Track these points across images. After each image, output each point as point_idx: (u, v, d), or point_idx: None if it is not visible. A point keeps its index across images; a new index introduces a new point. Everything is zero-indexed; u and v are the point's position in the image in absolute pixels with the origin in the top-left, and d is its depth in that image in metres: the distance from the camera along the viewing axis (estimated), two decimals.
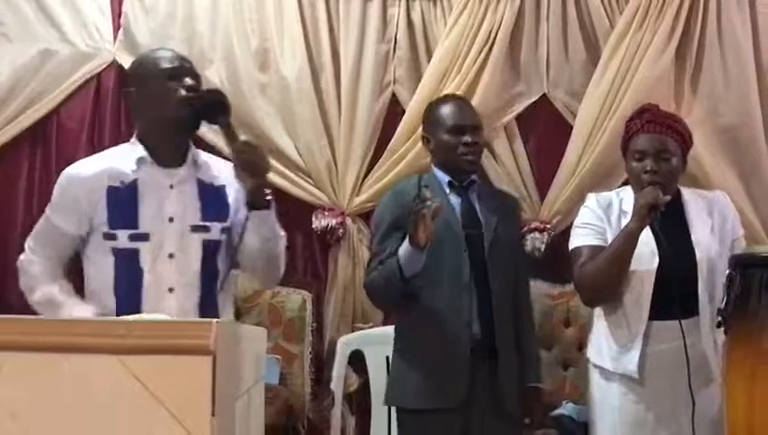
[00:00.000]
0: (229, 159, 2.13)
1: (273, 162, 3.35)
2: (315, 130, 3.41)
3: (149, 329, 1.52)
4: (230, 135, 2.11)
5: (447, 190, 2.56)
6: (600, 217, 2.42)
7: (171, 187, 2.14)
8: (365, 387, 3.30)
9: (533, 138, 3.46)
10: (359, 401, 3.32)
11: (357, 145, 3.40)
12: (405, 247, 2.36)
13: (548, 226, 3.35)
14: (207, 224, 2.13)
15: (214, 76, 3.42)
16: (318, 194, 3.41)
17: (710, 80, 3.33)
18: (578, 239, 2.44)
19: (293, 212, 3.44)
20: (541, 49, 3.42)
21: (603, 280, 2.37)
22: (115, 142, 3.45)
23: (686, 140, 2.45)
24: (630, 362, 2.33)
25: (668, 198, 2.32)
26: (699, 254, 2.35)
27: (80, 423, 1.46)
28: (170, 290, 2.08)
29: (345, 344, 3.30)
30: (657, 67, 3.31)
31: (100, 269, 2.11)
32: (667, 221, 2.34)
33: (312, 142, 3.41)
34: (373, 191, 3.37)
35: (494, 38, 3.37)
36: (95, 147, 3.45)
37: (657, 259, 2.32)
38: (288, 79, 3.41)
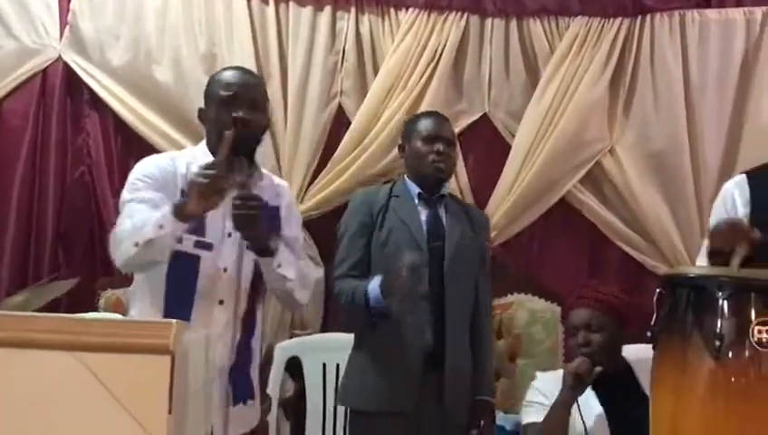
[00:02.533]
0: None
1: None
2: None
3: (108, 327, 1.53)
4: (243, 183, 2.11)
5: (416, 201, 2.64)
6: (544, 396, 2.52)
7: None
8: (301, 393, 3.35)
9: (473, 155, 3.56)
10: (294, 408, 3.36)
11: (302, 153, 3.43)
12: (375, 292, 2.45)
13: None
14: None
15: (160, 77, 3.43)
16: None
17: (641, 106, 3.48)
18: (527, 416, 2.55)
19: None
20: (483, 69, 3.52)
21: None
22: (61, 140, 3.45)
23: (615, 310, 2.56)
24: None
25: (599, 369, 2.41)
26: None
27: (35, 420, 1.47)
28: (221, 302, 2.13)
29: (282, 351, 3.33)
30: (593, 92, 3.45)
31: (154, 272, 2.12)
32: (620, 391, 2.43)
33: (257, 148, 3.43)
34: (317, 200, 3.42)
35: (440, 56, 3.47)
36: (39, 144, 3.43)
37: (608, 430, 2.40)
38: None
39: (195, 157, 2.19)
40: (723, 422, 2.03)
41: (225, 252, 2.14)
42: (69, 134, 3.46)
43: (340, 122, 3.50)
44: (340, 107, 3.50)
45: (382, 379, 2.52)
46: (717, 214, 2.71)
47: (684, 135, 3.46)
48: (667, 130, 3.47)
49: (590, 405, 2.46)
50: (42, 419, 1.47)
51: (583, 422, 2.42)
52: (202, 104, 3.53)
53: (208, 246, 2.14)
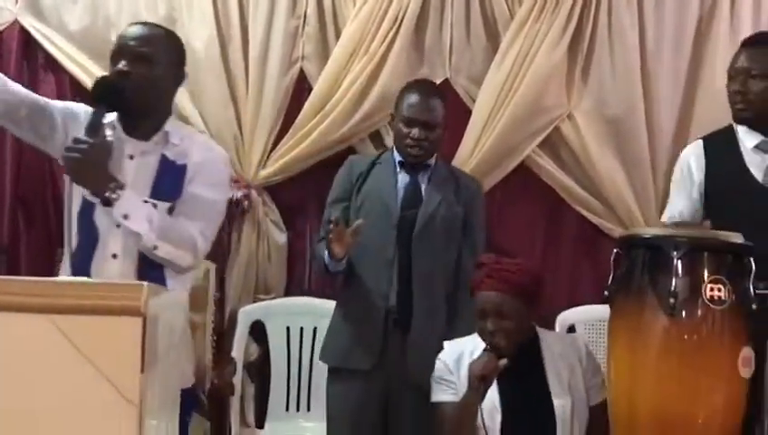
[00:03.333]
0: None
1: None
2: (222, 102, 3.43)
3: (81, 290, 1.56)
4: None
5: (398, 169, 2.71)
6: (450, 371, 2.44)
7: (131, 157, 2.18)
8: (265, 356, 3.39)
9: None
10: (259, 370, 3.40)
11: (264, 118, 3.43)
12: (327, 255, 2.55)
13: None
14: (155, 201, 2.16)
15: None
16: None
17: (599, 73, 3.52)
18: (435, 394, 2.46)
19: None
20: (444, 35, 3.53)
21: None
22: None
23: (527, 291, 2.41)
24: None
25: (505, 361, 2.30)
26: (556, 405, 2.36)
27: (10, 381, 1.51)
28: (114, 256, 2.13)
29: (246, 315, 3.37)
30: (552, 58, 3.48)
31: (73, 215, 2.15)
32: (522, 369, 2.37)
33: (218, 114, 3.42)
34: (279, 165, 3.43)
35: (401, 21, 3.46)
36: None
37: (499, 416, 2.34)
38: (196, 49, 3.40)
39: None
40: (677, 377, 2.13)
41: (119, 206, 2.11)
42: None
43: (301, 88, 3.49)
44: (301, 72, 3.49)
45: (349, 337, 2.63)
46: (675, 179, 2.81)
47: (640, 100, 3.52)
48: (624, 95, 3.52)
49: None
50: (16, 380, 1.51)
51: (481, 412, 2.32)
52: None
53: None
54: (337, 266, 2.56)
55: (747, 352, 2.13)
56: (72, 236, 2.12)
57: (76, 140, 2.03)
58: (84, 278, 1.83)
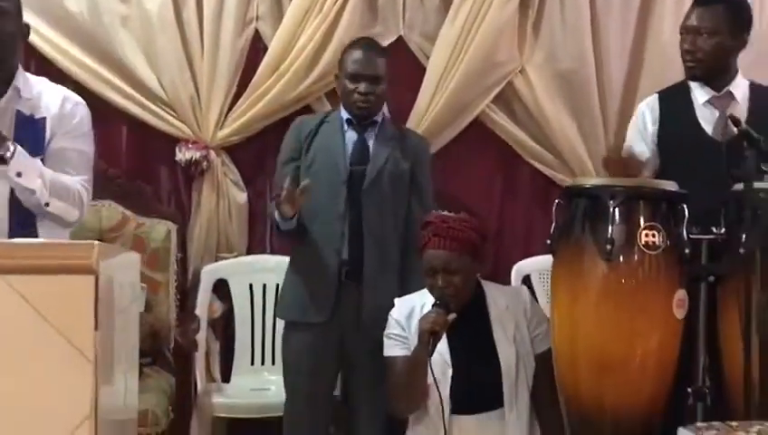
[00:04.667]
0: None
1: (136, 94, 3.43)
2: (178, 64, 3.44)
3: (34, 250, 1.61)
4: None
5: (345, 127, 2.77)
6: (401, 327, 2.52)
7: None
8: (229, 314, 3.46)
9: (390, 77, 3.62)
10: (223, 328, 3.48)
11: (220, 80, 3.45)
12: (278, 214, 2.61)
13: None
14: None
15: (73, 7, 3.38)
16: (181, 127, 3.45)
17: (550, 27, 3.58)
18: (387, 349, 2.54)
19: (157, 144, 3.50)
20: None
21: (403, 402, 2.48)
22: None
23: (473, 247, 2.48)
24: None
25: (453, 316, 2.38)
26: (501, 356, 2.44)
27: None
28: None
29: (209, 273, 3.43)
30: (503, 14, 3.52)
31: None
32: (469, 323, 2.46)
33: (174, 76, 3.44)
34: (237, 126, 3.46)
35: None
36: None
37: (450, 370, 2.43)
38: (150, 11, 3.40)
39: None
40: (615, 319, 2.24)
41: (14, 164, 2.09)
42: None
43: (257, 48, 3.51)
44: (256, 33, 3.51)
45: (304, 292, 2.73)
46: (631, 132, 2.90)
47: (590, 53, 3.59)
48: (575, 49, 3.59)
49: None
50: None
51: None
52: (120, 35, 3.51)
53: None
54: (287, 225, 2.63)
55: (681, 295, 2.24)
56: None
57: None
58: (38, 239, 1.88)
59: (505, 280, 3.45)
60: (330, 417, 2.87)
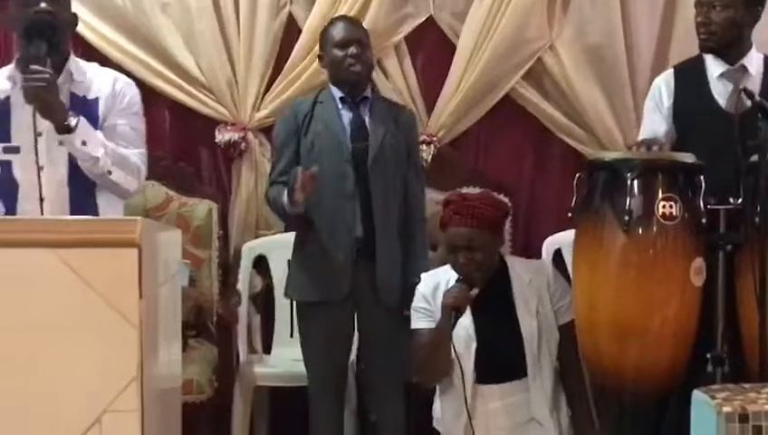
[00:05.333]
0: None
1: (176, 79, 3.56)
2: (216, 48, 3.57)
3: (83, 225, 1.75)
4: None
5: (340, 105, 2.84)
6: (427, 301, 2.62)
7: None
8: (268, 288, 3.60)
9: (421, 57, 3.71)
10: (263, 302, 3.62)
11: (256, 63, 3.57)
12: (286, 199, 2.66)
13: (434, 138, 3.61)
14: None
15: None
16: (220, 110, 3.58)
17: (578, 3, 3.62)
18: (415, 322, 2.65)
19: (198, 127, 3.65)
20: None
21: (428, 372, 2.60)
22: None
23: (494, 224, 2.57)
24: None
25: (475, 291, 2.49)
26: (524, 329, 2.53)
27: (21, 310, 1.66)
28: (41, 200, 2.25)
29: (249, 250, 3.56)
30: None
31: None
32: (493, 298, 2.56)
33: (213, 60, 3.57)
34: (273, 107, 3.57)
35: None
36: None
37: (474, 343, 2.53)
38: None
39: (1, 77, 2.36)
40: (634, 288, 2.32)
41: (37, 151, 2.22)
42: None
43: (291, 31, 3.62)
44: (290, 15, 3.61)
45: (319, 272, 2.79)
46: (647, 106, 2.94)
47: (619, 28, 3.62)
48: (603, 24, 3.63)
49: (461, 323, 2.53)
50: (26, 309, 1.66)
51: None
52: (160, 20, 3.63)
53: (16, 150, 2.28)
54: (296, 210, 2.67)
55: (699, 263, 2.31)
56: None
57: (34, 70, 2.16)
58: (86, 217, 2.02)
59: (536, 254, 3.51)
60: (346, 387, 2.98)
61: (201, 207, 3.50)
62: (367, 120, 2.85)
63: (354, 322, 2.86)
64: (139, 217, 1.72)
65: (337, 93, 2.86)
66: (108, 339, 1.69)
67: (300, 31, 3.60)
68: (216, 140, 3.58)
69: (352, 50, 2.80)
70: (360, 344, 2.97)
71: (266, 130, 3.62)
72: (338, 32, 2.84)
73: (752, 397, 1.83)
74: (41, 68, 2.17)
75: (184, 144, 3.67)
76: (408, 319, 2.72)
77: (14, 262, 1.68)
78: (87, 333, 1.69)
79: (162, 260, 1.93)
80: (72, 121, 2.22)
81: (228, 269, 3.54)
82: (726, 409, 1.77)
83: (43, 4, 2.26)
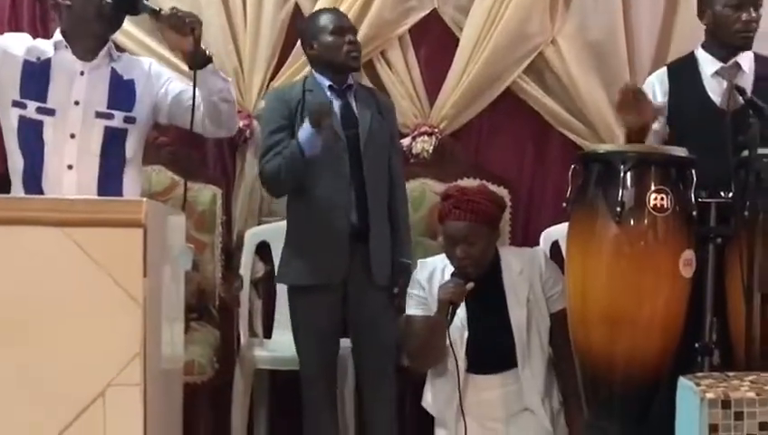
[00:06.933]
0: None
1: (183, 66, 3.59)
2: (223, 36, 3.61)
3: (90, 205, 1.81)
4: (156, 15, 2.36)
5: (328, 93, 2.89)
6: (422, 287, 2.71)
7: (82, 73, 2.37)
8: (270, 274, 3.65)
9: (424, 49, 3.75)
10: (264, 287, 3.67)
11: (262, 52, 3.62)
12: (305, 129, 2.69)
13: (436, 129, 3.65)
14: (112, 112, 2.37)
15: None
16: None
17: None
18: (409, 308, 2.74)
19: None
20: None
21: (420, 360, 2.69)
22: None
23: (492, 218, 2.66)
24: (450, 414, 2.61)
25: (471, 285, 2.57)
26: (513, 320, 2.61)
27: (30, 286, 1.73)
28: (69, 167, 2.30)
29: (252, 235, 3.61)
30: None
31: (9, 137, 2.34)
32: (485, 289, 2.63)
33: (219, 48, 3.59)
34: None
35: None
36: None
37: (466, 333, 2.62)
38: None
39: (46, 43, 2.43)
40: (624, 278, 2.38)
41: (71, 118, 2.32)
42: (40, 34, 3.60)
43: (296, 21, 3.65)
44: (296, 6, 3.65)
45: (315, 256, 2.82)
46: None
47: (620, 24, 3.66)
48: (605, 20, 3.66)
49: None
50: (35, 285, 1.72)
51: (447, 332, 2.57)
52: (163, 5, 3.67)
53: (51, 112, 2.32)
54: (315, 145, 2.68)
55: (688, 255, 2.37)
56: (15, 160, 2.32)
57: (184, 14, 2.33)
58: (92, 196, 2.07)
59: (535, 246, 3.55)
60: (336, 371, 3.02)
61: (205, 193, 3.56)
62: (354, 106, 2.90)
63: (346, 307, 2.90)
64: (144, 199, 1.78)
65: (324, 82, 2.90)
66: (113, 315, 1.75)
67: None
68: None
69: (350, 37, 2.85)
70: (350, 326, 3.02)
71: None
72: (331, 20, 2.90)
73: (735, 384, 1.90)
74: (182, 12, 2.34)
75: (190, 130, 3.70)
76: (395, 296, 2.80)
77: (24, 240, 1.74)
78: (93, 309, 1.75)
79: (166, 241, 1.99)
80: (207, 51, 2.36)
81: (231, 254, 3.60)
82: (710, 395, 1.83)
83: None
